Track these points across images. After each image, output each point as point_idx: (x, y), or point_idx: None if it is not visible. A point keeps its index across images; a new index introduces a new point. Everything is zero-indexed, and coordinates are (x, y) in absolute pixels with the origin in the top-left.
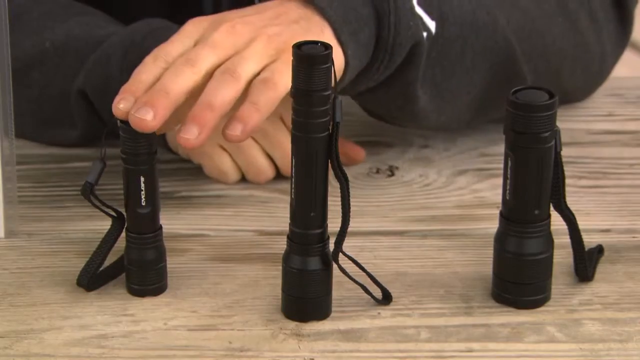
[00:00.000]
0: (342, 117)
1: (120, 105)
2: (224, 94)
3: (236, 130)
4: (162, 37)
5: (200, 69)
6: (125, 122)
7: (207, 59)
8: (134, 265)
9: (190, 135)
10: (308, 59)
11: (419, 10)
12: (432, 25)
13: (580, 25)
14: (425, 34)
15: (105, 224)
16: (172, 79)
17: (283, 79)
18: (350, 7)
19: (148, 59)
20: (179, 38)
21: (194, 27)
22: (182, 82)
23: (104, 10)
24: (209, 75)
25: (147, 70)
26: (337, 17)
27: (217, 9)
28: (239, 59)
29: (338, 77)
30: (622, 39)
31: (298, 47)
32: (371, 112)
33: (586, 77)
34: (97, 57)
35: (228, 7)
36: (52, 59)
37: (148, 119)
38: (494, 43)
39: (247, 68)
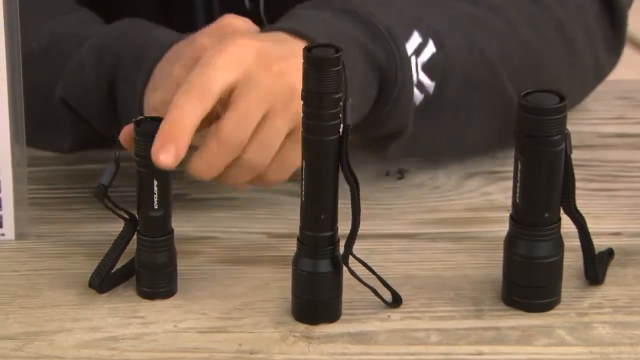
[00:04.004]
0: (353, 119)
1: None
2: None
3: None
4: (135, 38)
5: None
6: (139, 124)
7: None
8: (145, 268)
9: None
10: (319, 61)
11: (422, 77)
12: (431, 87)
13: (577, 45)
14: (422, 96)
15: (116, 227)
16: None
17: None
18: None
19: None
20: None
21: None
22: None
23: (98, 10)
24: None
25: None
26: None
27: (208, 9)
28: None
29: None
30: (617, 44)
31: (309, 49)
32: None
33: (583, 91)
34: (73, 65)
35: (219, 7)
36: (38, 60)
37: None
38: (494, 98)
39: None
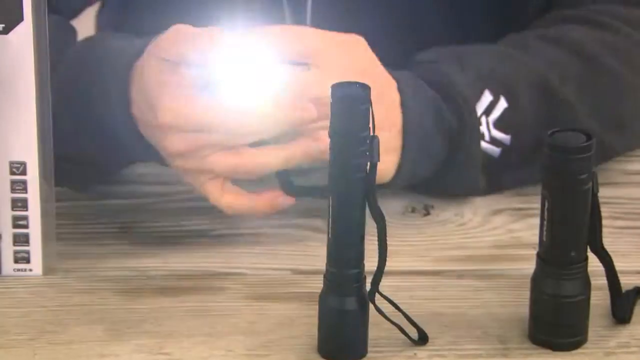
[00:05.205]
0: (379, 157)
1: None
2: None
3: None
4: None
5: None
6: None
7: None
8: None
9: None
10: (347, 99)
11: (495, 133)
12: (507, 139)
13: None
14: (499, 150)
15: (143, 262)
16: None
17: None
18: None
19: None
20: None
21: None
22: None
23: None
24: None
25: None
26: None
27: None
28: None
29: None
30: None
31: (336, 87)
32: None
33: None
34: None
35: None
36: None
37: None
38: None
39: None
